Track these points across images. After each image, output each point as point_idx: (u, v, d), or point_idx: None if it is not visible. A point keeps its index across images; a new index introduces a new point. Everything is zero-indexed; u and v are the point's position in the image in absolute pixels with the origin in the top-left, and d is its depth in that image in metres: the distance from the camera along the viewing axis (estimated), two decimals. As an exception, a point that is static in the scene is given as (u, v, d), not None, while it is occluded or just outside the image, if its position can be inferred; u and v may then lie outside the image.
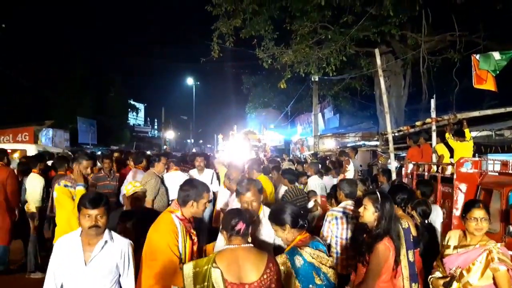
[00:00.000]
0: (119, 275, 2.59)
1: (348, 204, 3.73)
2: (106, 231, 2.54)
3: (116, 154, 7.55)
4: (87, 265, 2.45)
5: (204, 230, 5.56)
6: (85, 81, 28.18)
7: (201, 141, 55.29)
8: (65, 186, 3.95)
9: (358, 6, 10.76)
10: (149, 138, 53.56)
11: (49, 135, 17.80)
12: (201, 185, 2.85)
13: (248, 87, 25.77)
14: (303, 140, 20.14)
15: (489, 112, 8.21)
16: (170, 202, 5.06)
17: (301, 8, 11.36)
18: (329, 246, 3.55)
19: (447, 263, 2.84)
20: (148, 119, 62.10)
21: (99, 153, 13.88)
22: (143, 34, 60.92)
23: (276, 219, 2.69)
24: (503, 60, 7.16)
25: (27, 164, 6.22)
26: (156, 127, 60.54)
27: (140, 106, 56.84)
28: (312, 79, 16.40)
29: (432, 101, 6.86)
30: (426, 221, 3.97)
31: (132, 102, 49.52)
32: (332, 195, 4.48)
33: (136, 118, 56.10)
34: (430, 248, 3.54)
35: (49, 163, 7.13)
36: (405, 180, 5.88)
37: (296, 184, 5.40)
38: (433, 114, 6.82)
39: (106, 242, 2.51)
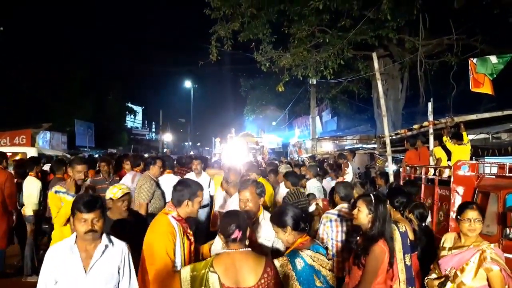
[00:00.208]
0: (119, 280, 2.47)
1: (344, 207, 3.74)
2: (104, 235, 2.41)
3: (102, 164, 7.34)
4: (87, 273, 2.30)
5: (202, 234, 5.54)
6: (83, 84, 28.16)
7: (199, 144, 55.22)
8: (56, 192, 3.90)
9: (356, 10, 10.81)
10: (146, 141, 53.47)
11: (47, 138, 17.74)
12: (195, 184, 2.86)
13: (246, 90, 25.83)
14: (301, 142, 20.16)
15: (486, 115, 8.26)
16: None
17: (299, 12, 11.41)
18: (326, 249, 3.55)
19: (442, 264, 2.88)
20: (146, 122, 62.04)
21: (96, 155, 13.83)
22: (141, 37, 60.98)
23: (278, 220, 2.69)
24: (500, 64, 7.19)
25: (23, 167, 6.20)
26: (154, 129, 60.49)
27: (138, 109, 56.79)
28: (310, 82, 16.46)
29: (430, 104, 6.89)
30: (423, 224, 3.98)
31: (130, 105, 49.50)
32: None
33: (134, 121, 56.04)
34: (427, 251, 3.54)
35: (48, 166, 7.10)
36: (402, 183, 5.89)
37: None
38: (431, 117, 6.85)
39: (106, 246, 2.38)
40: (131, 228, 3.24)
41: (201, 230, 5.57)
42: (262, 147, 18.04)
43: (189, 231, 2.79)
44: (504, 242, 3.82)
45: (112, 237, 2.49)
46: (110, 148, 26.90)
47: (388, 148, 6.65)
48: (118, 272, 2.43)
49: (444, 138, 6.93)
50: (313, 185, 6.57)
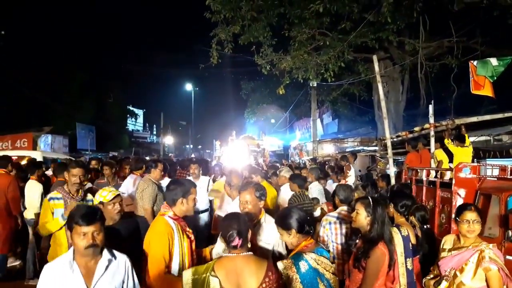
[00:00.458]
0: None
1: (343, 209, 3.74)
2: (105, 248, 2.24)
3: (93, 162, 7.28)
4: None
5: (202, 238, 5.53)
6: (84, 87, 28.22)
7: (200, 147, 55.23)
8: (50, 199, 3.85)
9: (356, 13, 10.83)
10: (148, 143, 53.59)
11: (48, 141, 17.81)
12: (187, 182, 2.89)
13: (246, 93, 25.80)
14: (302, 145, 20.16)
15: (487, 117, 8.25)
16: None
17: (299, 14, 11.43)
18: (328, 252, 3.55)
19: (442, 265, 2.91)
20: (147, 124, 62.17)
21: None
22: (141, 40, 61.12)
23: (283, 223, 2.69)
24: (500, 66, 7.20)
25: (25, 171, 6.22)
26: (155, 132, 60.57)
27: (139, 112, 56.97)
28: (311, 85, 16.47)
29: (430, 107, 6.89)
30: (425, 226, 3.97)
31: (131, 108, 49.64)
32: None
33: (135, 123, 56.18)
34: (429, 254, 3.54)
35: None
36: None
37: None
38: (431, 120, 6.85)
39: (109, 261, 2.21)
40: (125, 234, 3.07)
41: (201, 234, 5.56)
42: (263, 149, 18.03)
43: (188, 229, 2.79)
44: (506, 245, 3.81)
45: (114, 250, 2.31)
46: (111, 151, 26.91)
47: (389, 150, 6.65)
48: (122, 287, 2.29)
49: (446, 141, 6.93)
50: (315, 188, 6.57)
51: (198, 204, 5.42)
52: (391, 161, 6.67)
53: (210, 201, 6.06)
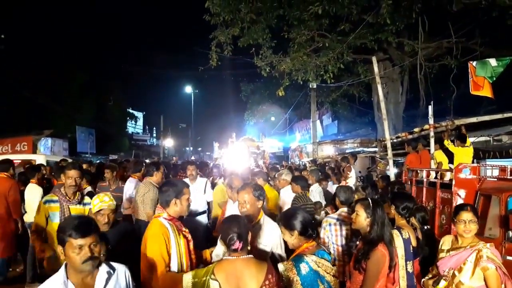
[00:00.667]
0: None
1: (344, 211, 3.74)
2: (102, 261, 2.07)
3: (84, 166, 7.21)
4: None
5: (201, 241, 5.50)
6: (84, 87, 28.24)
7: (199, 149, 55.23)
8: (45, 202, 3.83)
9: (355, 14, 10.85)
10: (147, 146, 53.55)
11: (48, 145, 17.76)
12: (180, 182, 2.89)
13: (246, 95, 25.82)
14: (302, 147, 20.18)
15: (486, 118, 8.26)
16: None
17: (298, 16, 11.45)
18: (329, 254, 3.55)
19: (441, 265, 2.94)
20: (147, 127, 62.18)
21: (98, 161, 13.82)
22: (141, 43, 61.16)
23: (287, 223, 2.69)
24: (499, 67, 7.21)
25: (25, 175, 6.22)
26: (155, 135, 60.57)
27: (139, 115, 56.94)
28: (310, 86, 16.49)
29: (430, 107, 6.90)
30: (425, 227, 3.97)
31: (131, 111, 49.63)
32: (332, 203, 4.48)
33: (135, 126, 56.18)
34: (429, 255, 3.53)
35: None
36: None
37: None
38: (431, 120, 6.86)
39: (109, 273, 2.03)
40: (114, 241, 2.91)
41: (200, 237, 5.53)
42: (263, 151, 18.03)
43: (184, 229, 2.77)
44: (506, 245, 3.81)
45: (111, 262, 2.14)
46: (111, 154, 26.88)
47: (389, 152, 6.66)
48: None
49: (446, 142, 6.93)
50: (315, 190, 6.58)
51: (196, 206, 5.45)
52: (391, 162, 6.68)
53: (208, 203, 6.04)
